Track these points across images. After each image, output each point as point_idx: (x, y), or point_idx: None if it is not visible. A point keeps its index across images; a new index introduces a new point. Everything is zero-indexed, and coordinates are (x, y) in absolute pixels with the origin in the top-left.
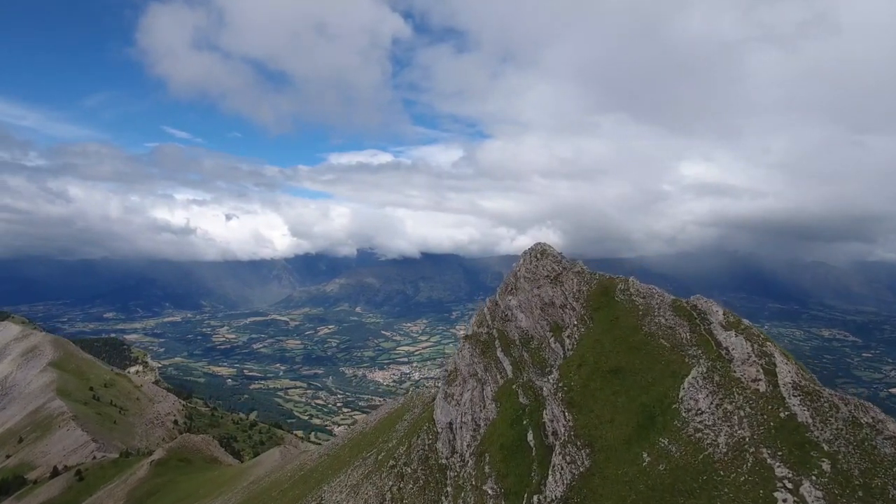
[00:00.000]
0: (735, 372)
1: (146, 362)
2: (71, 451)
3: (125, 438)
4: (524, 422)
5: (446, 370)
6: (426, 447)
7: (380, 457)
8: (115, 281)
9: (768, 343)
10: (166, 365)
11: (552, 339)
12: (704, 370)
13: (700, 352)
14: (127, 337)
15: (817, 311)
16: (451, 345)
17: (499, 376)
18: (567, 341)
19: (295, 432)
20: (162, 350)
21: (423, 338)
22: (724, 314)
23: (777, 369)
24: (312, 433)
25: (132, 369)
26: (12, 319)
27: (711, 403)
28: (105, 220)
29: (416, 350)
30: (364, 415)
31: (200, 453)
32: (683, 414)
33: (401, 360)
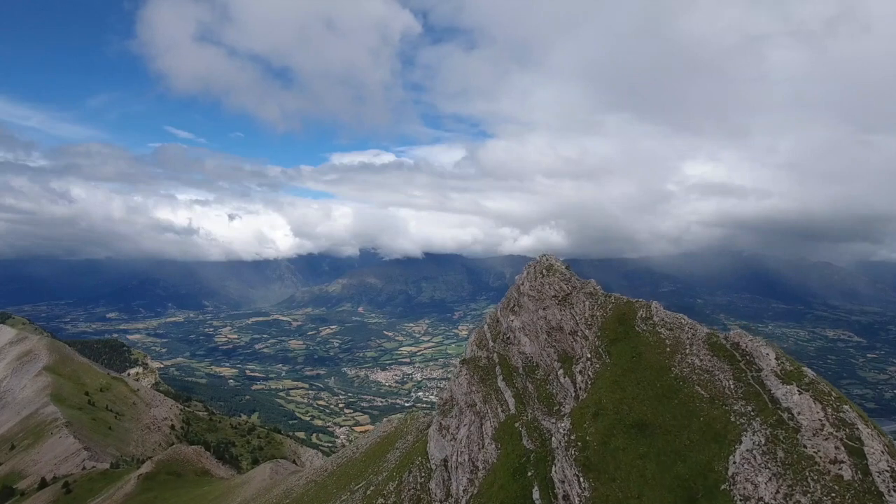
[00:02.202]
0: (805, 447)
1: (146, 364)
2: (62, 459)
3: (120, 445)
4: (529, 473)
5: (441, 398)
6: (418, 486)
7: (368, 492)
8: (118, 281)
9: (846, 406)
10: (168, 365)
11: (561, 371)
12: (762, 440)
13: (750, 409)
14: (130, 337)
15: (822, 312)
16: (453, 345)
17: (500, 410)
18: (579, 377)
19: (296, 433)
20: (164, 350)
21: (426, 338)
22: (776, 358)
23: (865, 448)
24: (314, 434)
25: (132, 371)
26: (13, 321)
27: (777, 492)
28: (108, 220)
29: (419, 350)
30: (364, 415)
31: (191, 465)
32: (739, 502)
33: (403, 360)
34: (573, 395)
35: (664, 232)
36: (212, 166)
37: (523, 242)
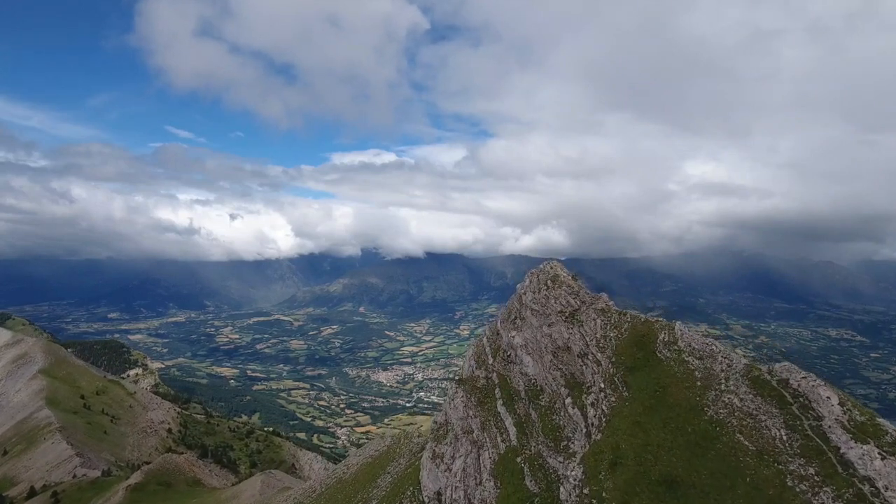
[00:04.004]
0: None
1: (146, 365)
2: (54, 466)
3: (116, 450)
4: None
5: (435, 421)
6: None
7: None
8: (119, 281)
9: None
10: (169, 366)
11: (569, 399)
12: None
13: (813, 472)
14: (131, 337)
15: (824, 311)
16: (454, 345)
17: (499, 439)
18: (591, 411)
19: (297, 434)
20: (165, 350)
21: (427, 338)
22: (840, 404)
23: None
24: (315, 435)
25: (131, 372)
26: (13, 321)
27: None
28: (109, 220)
29: (420, 350)
30: (365, 415)
31: (182, 475)
32: None
33: (404, 360)
34: (584, 430)
35: (665, 232)
36: (212, 166)
37: (524, 242)
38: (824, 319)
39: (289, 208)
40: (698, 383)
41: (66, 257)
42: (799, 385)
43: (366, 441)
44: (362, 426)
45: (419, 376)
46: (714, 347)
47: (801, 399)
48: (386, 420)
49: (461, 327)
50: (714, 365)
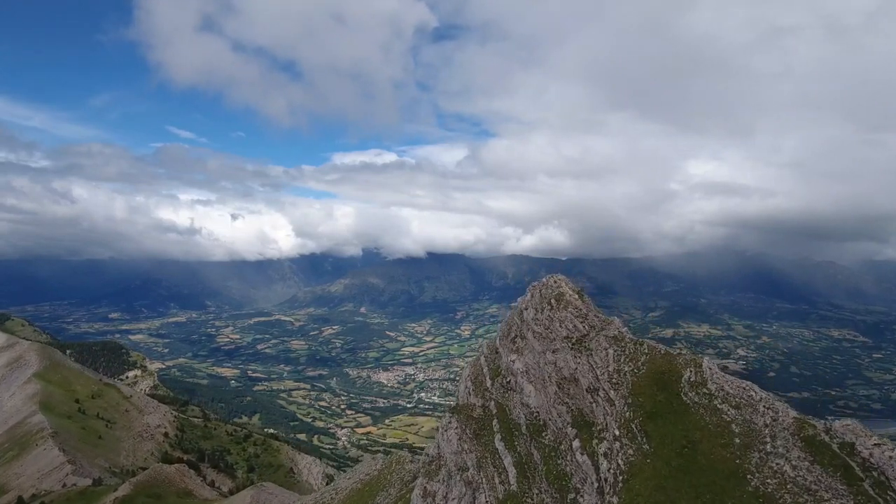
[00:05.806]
0: None
1: (145, 366)
2: (45, 473)
3: (110, 455)
4: None
5: (427, 454)
6: None
7: None
8: (120, 281)
9: None
10: (170, 366)
11: (577, 442)
12: None
13: None
14: (132, 337)
15: (827, 312)
16: (455, 345)
17: (497, 481)
18: (604, 462)
19: (297, 435)
20: (166, 351)
21: (428, 338)
22: None
23: None
24: (315, 436)
25: (130, 373)
26: (12, 322)
27: None
28: (110, 220)
29: (421, 351)
30: (366, 416)
31: (173, 486)
32: None
33: (405, 360)
34: (594, 483)
35: (668, 231)
36: (214, 166)
37: (526, 242)
38: (826, 320)
39: (290, 208)
40: (737, 440)
41: (67, 257)
42: (871, 454)
43: (366, 442)
44: (363, 427)
45: (420, 377)
46: (753, 394)
47: (874, 473)
48: (387, 421)
49: (462, 328)
50: (755, 417)
